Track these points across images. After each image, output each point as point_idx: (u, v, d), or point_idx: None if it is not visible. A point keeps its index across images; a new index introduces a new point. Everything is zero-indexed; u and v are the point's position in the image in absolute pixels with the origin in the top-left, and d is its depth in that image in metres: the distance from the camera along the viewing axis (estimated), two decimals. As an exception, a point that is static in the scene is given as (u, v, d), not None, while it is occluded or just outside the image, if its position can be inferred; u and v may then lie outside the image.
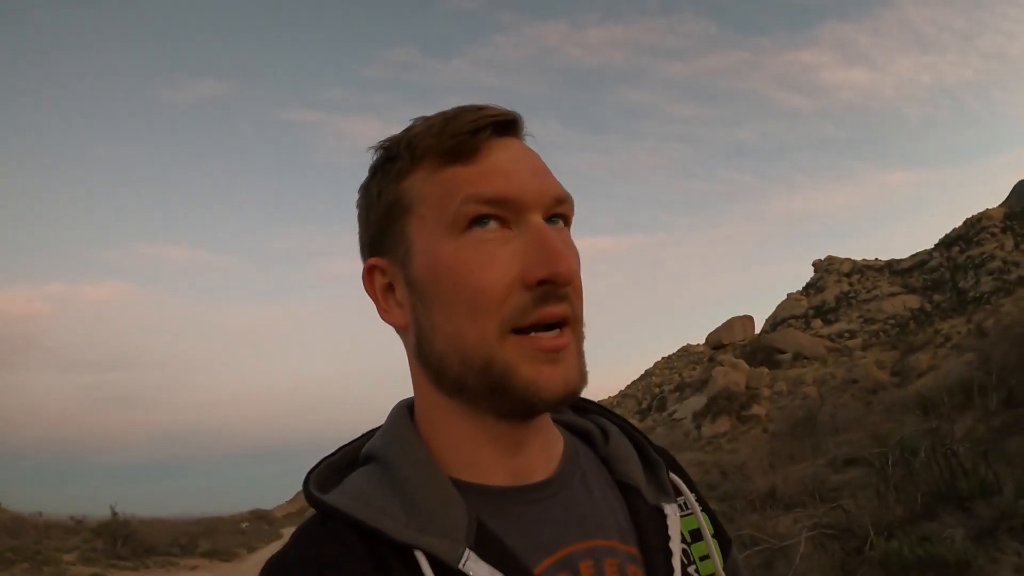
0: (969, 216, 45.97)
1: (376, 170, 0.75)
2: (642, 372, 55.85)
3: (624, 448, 0.81)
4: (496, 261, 0.66)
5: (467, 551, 0.64)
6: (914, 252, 47.89)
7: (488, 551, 0.65)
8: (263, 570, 0.66)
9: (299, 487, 0.76)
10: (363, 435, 0.79)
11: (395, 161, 0.72)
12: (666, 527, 0.77)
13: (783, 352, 32.62)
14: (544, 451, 0.75)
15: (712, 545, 0.79)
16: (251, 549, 23.65)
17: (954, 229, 47.99)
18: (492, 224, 0.67)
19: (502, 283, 0.66)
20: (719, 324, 43.00)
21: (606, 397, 60.37)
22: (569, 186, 0.74)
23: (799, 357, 31.76)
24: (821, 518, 7.22)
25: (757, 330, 46.84)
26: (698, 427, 27.22)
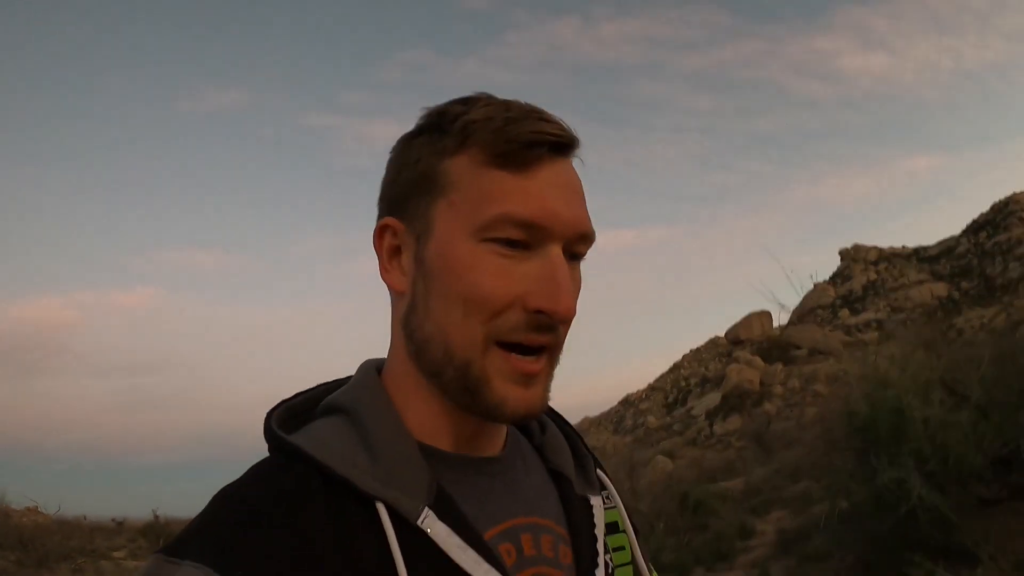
0: (996, 200, 45.00)
1: (422, 132, 0.74)
2: (671, 365, 55.70)
3: (558, 441, 0.86)
4: (506, 276, 0.68)
5: (426, 509, 0.67)
6: (942, 239, 47.04)
7: (444, 512, 0.68)
8: (213, 499, 0.67)
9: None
10: (320, 385, 0.82)
11: (443, 135, 0.71)
12: (592, 516, 0.82)
13: (799, 348, 32.76)
14: (495, 436, 0.79)
15: (631, 535, 0.87)
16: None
17: (981, 214, 46.94)
18: (516, 245, 0.69)
19: (504, 298, 0.68)
20: (746, 314, 43.13)
21: (635, 391, 60.35)
22: (588, 180, 0.74)
23: (815, 352, 31.88)
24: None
25: (785, 321, 46.74)
26: (711, 425, 27.63)
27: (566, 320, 0.71)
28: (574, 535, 0.79)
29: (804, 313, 52.33)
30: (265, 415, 0.75)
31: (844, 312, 51.05)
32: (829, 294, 53.75)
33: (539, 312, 0.69)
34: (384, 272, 0.76)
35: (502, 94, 0.74)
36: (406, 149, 0.75)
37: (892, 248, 57.19)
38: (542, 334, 0.70)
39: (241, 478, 0.69)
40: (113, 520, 24.89)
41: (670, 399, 49.79)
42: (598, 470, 0.89)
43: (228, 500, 0.67)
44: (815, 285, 56.01)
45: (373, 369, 0.79)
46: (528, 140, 0.69)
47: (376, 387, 0.76)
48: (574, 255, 0.74)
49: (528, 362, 0.70)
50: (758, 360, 30.73)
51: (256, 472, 0.70)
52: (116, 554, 18.74)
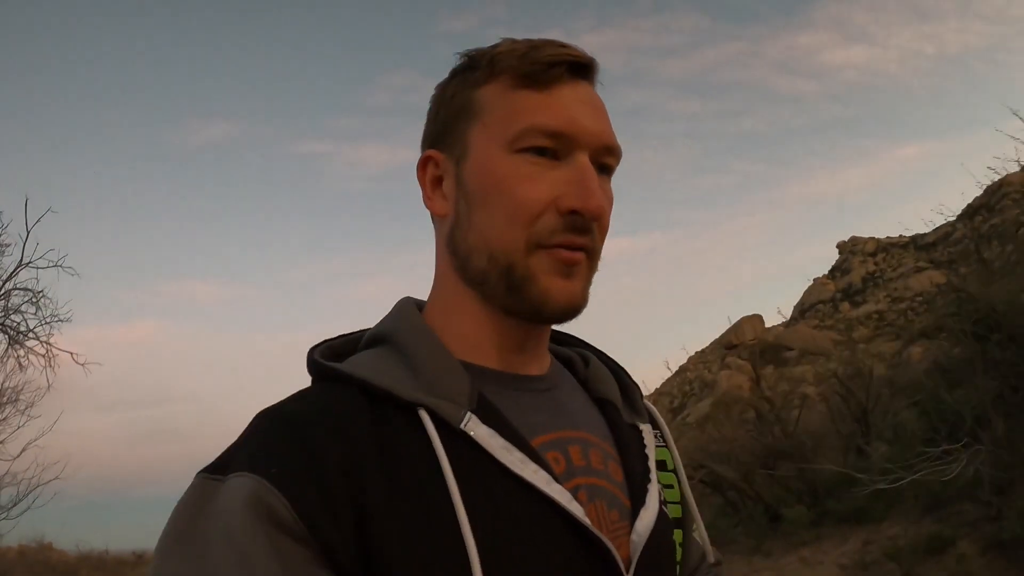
0: (989, 183, 44.45)
1: (456, 74, 0.81)
2: (677, 368, 55.48)
3: (603, 372, 0.88)
4: (539, 182, 0.73)
5: (468, 413, 0.69)
6: (938, 225, 46.57)
7: (488, 417, 0.70)
8: (253, 418, 0.68)
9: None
10: (358, 331, 0.83)
11: (474, 70, 0.78)
12: (642, 439, 0.84)
13: (791, 349, 32.68)
14: (539, 356, 0.81)
15: (681, 472, 0.89)
16: None
17: (976, 198, 46.46)
18: (545, 153, 0.74)
19: (539, 202, 0.72)
20: (747, 315, 43.02)
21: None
22: None
23: (805, 354, 31.79)
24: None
25: (787, 316, 46.52)
26: (702, 432, 27.55)
27: (597, 218, 0.74)
28: (623, 454, 0.80)
29: (805, 309, 52.01)
30: (307, 351, 0.78)
31: (845, 305, 50.61)
32: (829, 288, 53.35)
33: (572, 213, 0.73)
34: (428, 200, 0.81)
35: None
36: (443, 90, 0.82)
37: (889, 238, 56.60)
38: (579, 235, 0.74)
39: (282, 400, 0.71)
40: (134, 553, 25.75)
41: (675, 404, 49.51)
42: (646, 402, 0.91)
43: (269, 416, 0.68)
44: (814, 280, 55.70)
45: (411, 303, 0.83)
46: (549, 61, 0.75)
47: (414, 315, 0.79)
48: (603, 167, 0.77)
49: (569, 252, 0.74)
50: (748, 365, 30.66)
51: (298, 394, 0.72)
52: (143, 583, 20.32)
